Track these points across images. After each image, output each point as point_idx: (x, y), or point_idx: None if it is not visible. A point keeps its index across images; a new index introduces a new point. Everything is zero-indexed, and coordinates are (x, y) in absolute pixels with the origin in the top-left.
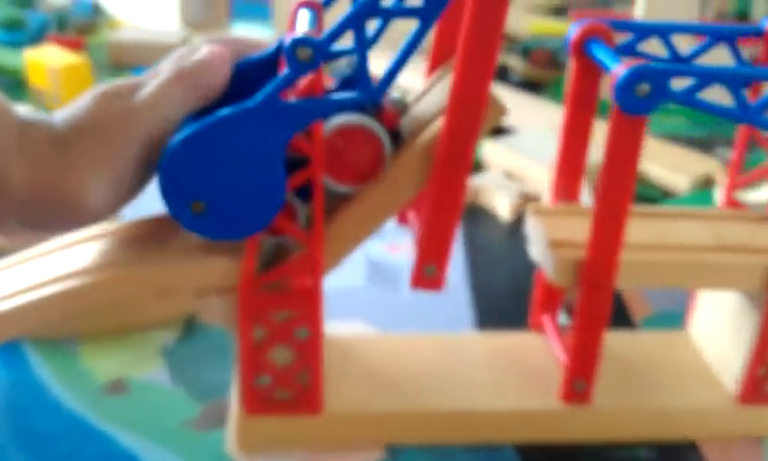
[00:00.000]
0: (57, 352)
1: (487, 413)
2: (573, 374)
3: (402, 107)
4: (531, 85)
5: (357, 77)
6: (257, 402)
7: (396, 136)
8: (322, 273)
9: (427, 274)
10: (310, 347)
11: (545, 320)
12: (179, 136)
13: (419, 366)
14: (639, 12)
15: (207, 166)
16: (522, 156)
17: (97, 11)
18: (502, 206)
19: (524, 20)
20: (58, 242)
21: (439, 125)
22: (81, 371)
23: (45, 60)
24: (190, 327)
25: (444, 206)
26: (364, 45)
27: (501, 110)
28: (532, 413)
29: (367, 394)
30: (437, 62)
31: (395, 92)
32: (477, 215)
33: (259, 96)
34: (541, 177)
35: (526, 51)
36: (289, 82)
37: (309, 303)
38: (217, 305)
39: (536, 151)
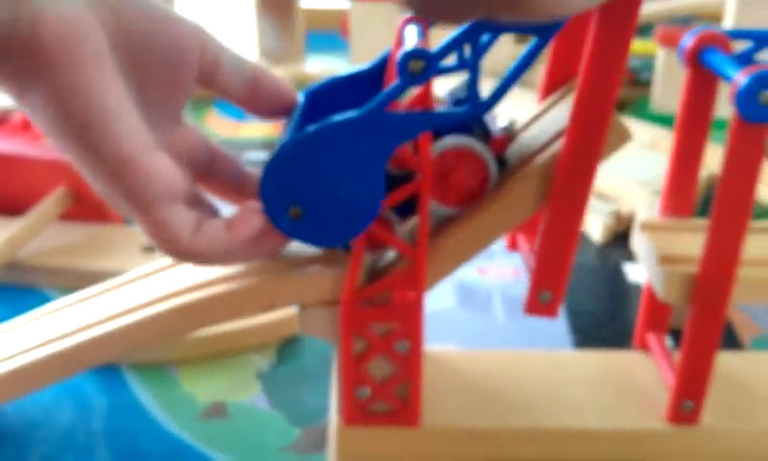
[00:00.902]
0: (156, 377)
1: (591, 432)
2: (681, 394)
3: (511, 134)
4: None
5: (467, 95)
6: (356, 413)
7: (502, 163)
8: (424, 287)
9: (542, 300)
10: (410, 360)
11: (651, 339)
12: (291, 138)
13: (521, 382)
14: (729, 26)
15: (310, 171)
16: (613, 174)
17: None
18: (594, 228)
19: None
20: (163, 262)
21: (556, 149)
22: (181, 395)
23: None
24: (283, 351)
25: (563, 230)
26: (477, 59)
27: (625, 136)
28: (638, 433)
29: (468, 408)
30: (551, 87)
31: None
32: None
33: (367, 106)
34: (634, 195)
35: None
36: (399, 92)
37: (411, 317)
38: (319, 318)
39: (626, 169)
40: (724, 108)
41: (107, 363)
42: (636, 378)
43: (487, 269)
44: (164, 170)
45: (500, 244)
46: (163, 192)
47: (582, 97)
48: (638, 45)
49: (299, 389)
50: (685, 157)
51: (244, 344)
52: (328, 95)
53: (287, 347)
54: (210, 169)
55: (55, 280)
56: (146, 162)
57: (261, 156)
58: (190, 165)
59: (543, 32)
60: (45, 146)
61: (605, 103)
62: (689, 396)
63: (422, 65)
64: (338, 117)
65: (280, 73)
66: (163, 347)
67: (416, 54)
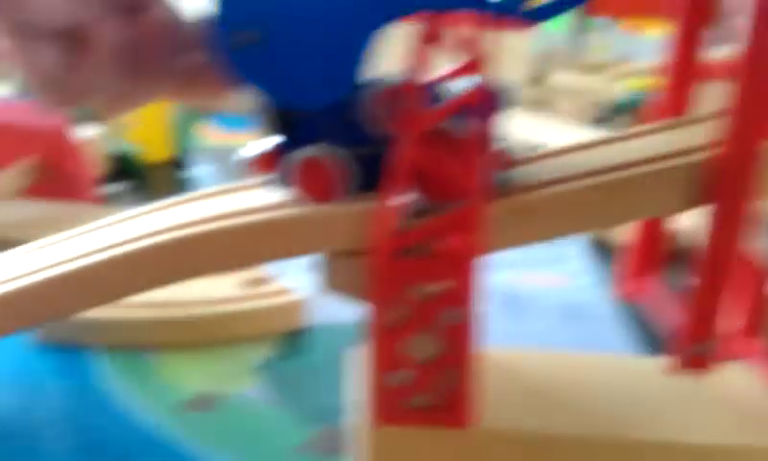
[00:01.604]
0: (128, 362)
1: (679, 446)
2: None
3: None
4: None
5: None
6: (389, 410)
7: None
8: (481, 234)
9: (697, 352)
10: (460, 335)
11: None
12: None
13: (592, 387)
14: None
15: None
16: None
17: None
18: None
19: None
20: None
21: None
22: (158, 384)
23: None
24: (292, 343)
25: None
26: None
27: None
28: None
29: (530, 412)
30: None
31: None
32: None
33: None
34: None
35: (621, 109)
36: None
37: (464, 273)
38: (347, 273)
39: None
40: None
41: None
42: (729, 389)
43: (533, 276)
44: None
45: (543, 250)
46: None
47: None
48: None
49: (306, 385)
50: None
51: (235, 333)
52: None
53: (290, 340)
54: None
55: None
56: None
57: None
58: None
59: None
60: (13, 112)
61: None
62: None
63: None
64: None
65: None
66: (138, 329)
67: None
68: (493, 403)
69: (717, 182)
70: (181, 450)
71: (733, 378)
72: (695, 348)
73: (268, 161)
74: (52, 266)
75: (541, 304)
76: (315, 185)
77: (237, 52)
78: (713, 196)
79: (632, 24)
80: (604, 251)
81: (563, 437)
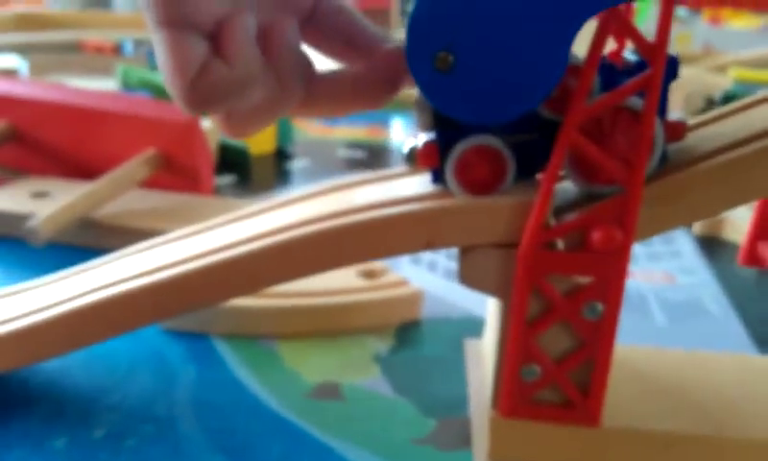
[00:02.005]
0: (253, 351)
1: None
2: None
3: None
4: None
5: None
6: (518, 403)
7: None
8: (635, 227)
9: None
10: (601, 330)
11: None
12: None
13: (712, 386)
14: None
15: (479, 4)
16: None
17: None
18: None
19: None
20: (303, 193)
21: None
22: (284, 372)
23: None
24: (403, 335)
25: None
26: None
27: None
28: None
29: (652, 411)
30: None
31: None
32: (724, 249)
33: None
34: None
35: (728, 99)
36: None
37: (613, 268)
38: (487, 264)
39: None
40: None
41: (199, 324)
42: (760, 385)
43: (634, 272)
44: None
45: (642, 248)
46: (178, 13)
47: None
48: (765, 74)
49: (426, 376)
50: None
51: (356, 323)
52: None
53: (407, 331)
54: (311, 16)
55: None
56: None
57: (352, 153)
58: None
59: None
60: (136, 104)
61: None
62: None
63: None
64: None
65: None
66: (260, 318)
67: None
68: (616, 402)
69: None
70: (308, 438)
71: None
72: None
73: (428, 154)
74: (195, 257)
75: (649, 300)
76: (474, 178)
77: (433, 77)
78: None
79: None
80: (713, 247)
81: (686, 437)
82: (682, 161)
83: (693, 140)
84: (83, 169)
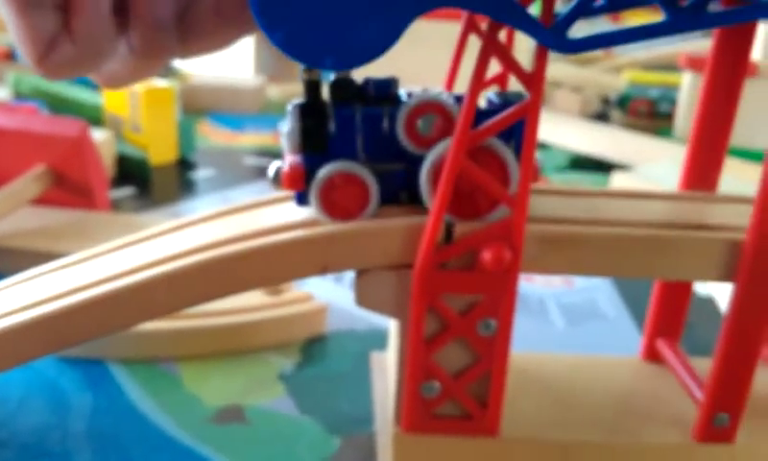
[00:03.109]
0: (151, 375)
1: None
2: (715, 406)
3: None
4: None
5: None
6: (419, 418)
7: None
8: (521, 246)
9: (717, 424)
10: (496, 345)
11: (661, 346)
12: None
13: (609, 391)
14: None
15: None
16: (658, 186)
17: (166, 66)
18: None
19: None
20: (197, 216)
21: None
22: (184, 396)
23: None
24: (308, 351)
25: (749, 338)
26: None
27: None
28: (663, 450)
29: (550, 419)
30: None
31: None
32: None
33: None
34: None
35: (624, 101)
36: None
37: (503, 286)
38: (382, 286)
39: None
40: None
41: (95, 349)
42: (651, 389)
43: (532, 276)
44: None
45: None
46: None
47: None
48: (658, 76)
49: (331, 393)
50: (711, 129)
51: (260, 341)
52: None
53: (312, 346)
54: None
55: (24, 266)
56: None
57: (259, 161)
58: None
59: None
60: (24, 120)
61: None
62: (724, 408)
63: None
64: None
65: (276, 91)
66: (159, 341)
67: None
68: (515, 411)
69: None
70: None
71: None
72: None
73: (294, 177)
74: (88, 286)
75: (548, 304)
76: (338, 203)
77: None
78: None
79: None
80: None
81: (582, 444)
82: (567, 217)
83: (570, 203)
84: None
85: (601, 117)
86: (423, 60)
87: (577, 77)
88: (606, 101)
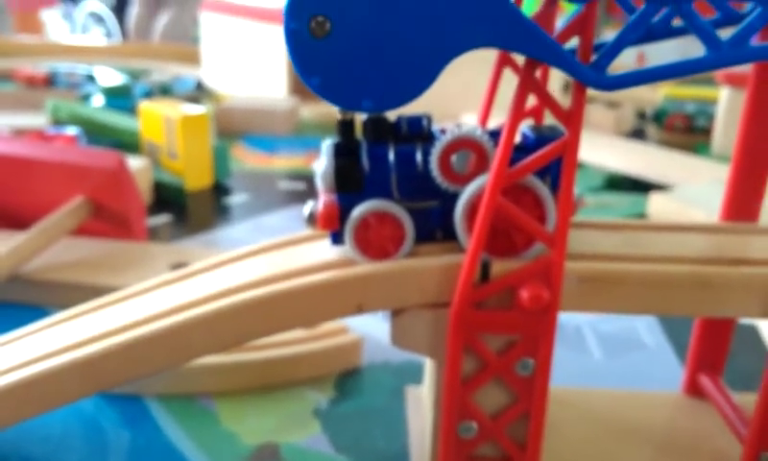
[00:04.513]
0: (189, 412)
1: None
2: (760, 444)
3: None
4: None
5: None
6: (456, 459)
7: None
8: (560, 285)
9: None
10: (534, 386)
11: (704, 381)
12: None
13: (653, 426)
14: None
15: None
16: (697, 208)
17: (200, 87)
18: None
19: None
20: (232, 254)
21: None
22: (221, 434)
23: (163, 112)
24: (343, 385)
25: None
26: None
27: None
28: None
29: (595, 458)
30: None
31: None
32: None
33: None
34: None
35: (660, 116)
36: None
37: (541, 326)
38: (418, 326)
39: (707, 202)
40: None
41: (133, 386)
42: (693, 426)
43: None
44: None
45: None
46: None
47: None
48: (695, 90)
49: (367, 429)
50: (753, 154)
51: (295, 375)
52: None
53: (347, 380)
54: None
55: (65, 299)
56: None
57: (293, 185)
58: None
59: None
60: (63, 151)
61: None
62: None
63: None
64: None
65: (309, 112)
66: (196, 376)
67: None
68: (552, 450)
69: None
70: None
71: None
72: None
73: (328, 217)
74: (126, 328)
75: (585, 333)
76: (373, 242)
77: (305, 40)
78: None
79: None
80: None
81: None
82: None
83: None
84: (8, 220)
85: (636, 133)
86: (450, 83)
87: (612, 92)
88: (642, 116)
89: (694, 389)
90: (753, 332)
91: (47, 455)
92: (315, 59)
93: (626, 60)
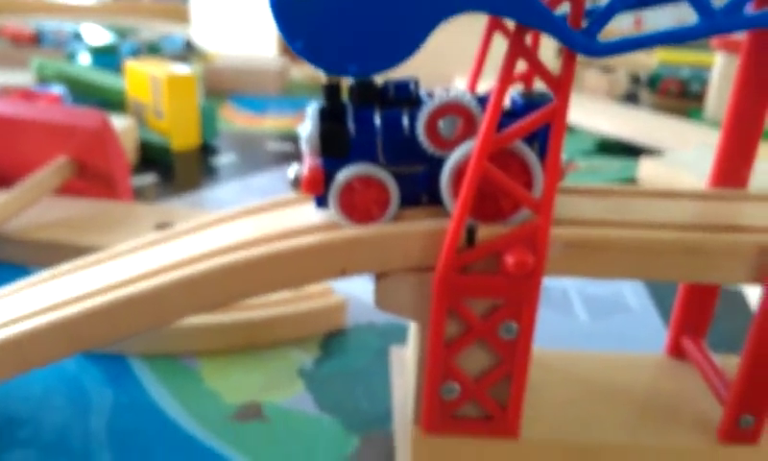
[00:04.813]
0: (173, 371)
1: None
2: (740, 407)
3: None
4: None
5: None
6: (439, 419)
7: None
8: (546, 251)
9: (742, 425)
10: (517, 348)
11: (687, 343)
12: None
13: (636, 389)
14: None
15: None
16: (687, 173)
17: (189, 45)
18: None
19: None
20: (217, 216)
21: None
22: (204, 392)
23: (149, 71)
24: (328, 345)
25: None
26: None
27: None
28: (684, 453)
29: (578, 419)
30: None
31: None
32: None
33: None
34: None
35: (654, 81)
36: None
37: (526, 290)
38: (403, 289)
39: (697, 167)
40: None
41: (116, 345)
42: (675, 388)
43: None
44: None
45: None
46: None
47: None
48: (689, 55)
49: (351, 389)
50: (744, 121)
51: (280, 336)
52: None
53: (332, 341)
54: None
55: (48, 258)
56: None
57: (281, 146)
58: None
59: None
60: (46, 110)
61: None
62: (750, 409)
63: None
64: None
65: (299, 72)
66: (180, 336)
67: None
68: (537, 411)
69: None
70: None
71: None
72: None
73: (313, 181)
74: (109, 288)
75: (571, 295)
76: (358, 206)
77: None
78: None
79: None
80: None
81: (602, 446)
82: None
83: (598, 204)
84: None
85: (630, 97)
86: (443, 45)
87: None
88: (636, 80)
89: (677, 350)
90: (738, 297)
91: (29, 414)
92: (299, 21)
93: (623, 25)
